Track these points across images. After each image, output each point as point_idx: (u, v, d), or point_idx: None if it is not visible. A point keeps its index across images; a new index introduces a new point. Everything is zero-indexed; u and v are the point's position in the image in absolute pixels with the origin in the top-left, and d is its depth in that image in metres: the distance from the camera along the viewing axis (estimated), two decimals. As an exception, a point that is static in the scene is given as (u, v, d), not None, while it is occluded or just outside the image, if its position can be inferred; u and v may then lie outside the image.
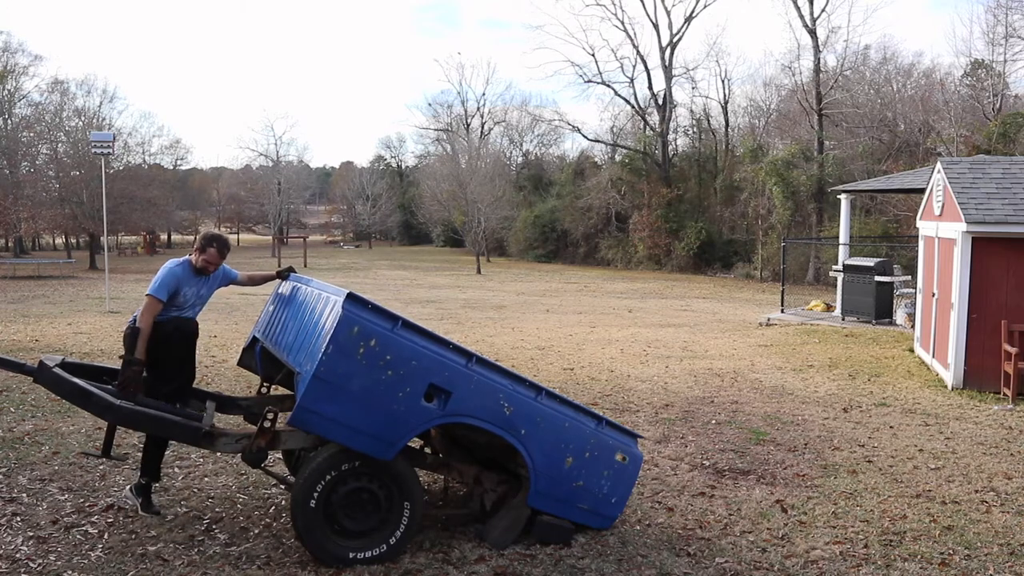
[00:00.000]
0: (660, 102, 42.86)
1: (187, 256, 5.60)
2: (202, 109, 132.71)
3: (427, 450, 5.89)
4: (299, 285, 5.44)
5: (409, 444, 5.47)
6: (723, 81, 49.76)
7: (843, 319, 16.75)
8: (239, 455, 5.05)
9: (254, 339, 5.91)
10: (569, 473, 5.10)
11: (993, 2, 33.25)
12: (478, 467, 5.25)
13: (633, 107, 44.61)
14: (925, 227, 12.83)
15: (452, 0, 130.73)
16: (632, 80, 43.99)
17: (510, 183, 49.74)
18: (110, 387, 5.06)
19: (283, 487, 5.82)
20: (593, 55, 54.31)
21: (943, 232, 11.29)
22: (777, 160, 33.85)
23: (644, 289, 28.50)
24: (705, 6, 44.68)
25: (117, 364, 5.42)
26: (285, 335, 5.19)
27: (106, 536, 5.02)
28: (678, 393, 9.91)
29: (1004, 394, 9.81)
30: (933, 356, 11.57)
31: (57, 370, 4.80)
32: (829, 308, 18.59)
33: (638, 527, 5.46)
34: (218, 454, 6.50)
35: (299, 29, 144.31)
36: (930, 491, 6.34)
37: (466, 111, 60.39)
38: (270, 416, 4.73)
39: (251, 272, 6.21)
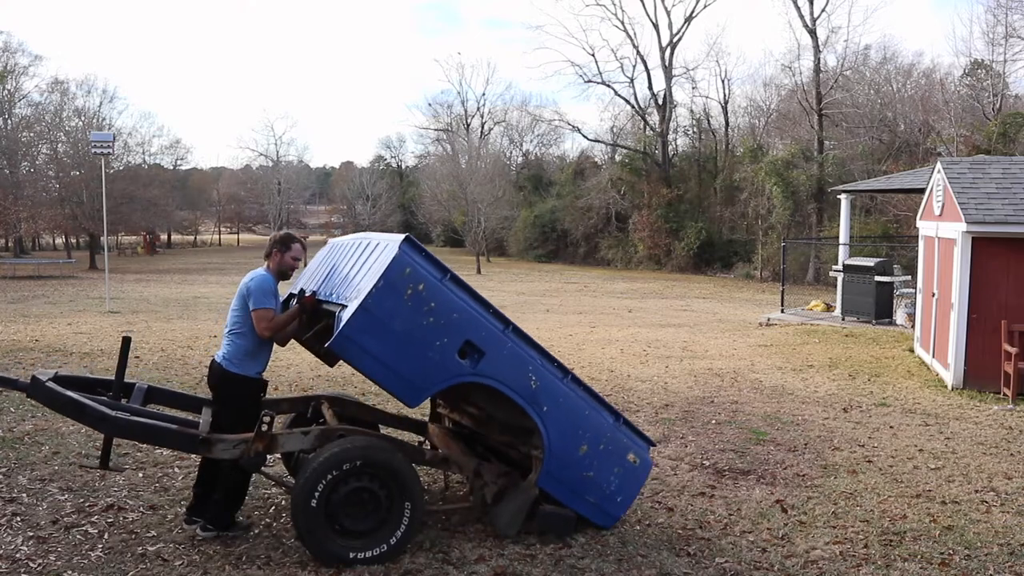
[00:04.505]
0: (660, 102, 42.84)
1: (260, 268, 5.20)
2: (202, 109, 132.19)
3: (426, 446, 5.89)
4: (353, 237, 5.52)
5: (408, 441, 5.48)
6: (723, 81, 49.78)
7: (843, 319, 16.75)
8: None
9: (290, 296, 5.77)
10: (581, 461, 5.11)
11: (993, 2, 33.22)
12: (477, 460, 5.26)
13: (633, 107, 44.61)
14: (925, 227, 12.83)
15: (452, 0, 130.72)
16: (632, 80, 44.03)
17: (510, 183, 49.68)
18: (104, 398, 5.04)
19: (283, 488, 5.82)
20: (593, 55, 54.25)
21: (943, 232, 11.29)
22: (777, 160, 33.85)
23: (644, 289, 28.50)
24: (705, 6, 44.73)
25: (110, 376, 5.39)
26: (332, 279, 5.21)
27: (106, 536, 5.02)
28: (678, 393, 9.91)
29: (1004, 394, 9.81)
30: (933, 356, 11.57)
31: (51, 384, 4.78)
32: (829, 308, 18.59)
33: (638, 527, 5.46)
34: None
35: (299, 29, 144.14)
36: (930, 491, 6.34)
37: (466, 111, 60.36)
38: (267, 419, 4.74)
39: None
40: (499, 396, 4.93)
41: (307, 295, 5.12)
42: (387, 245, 4.69)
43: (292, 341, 5.63)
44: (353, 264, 5.02)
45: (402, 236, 4.64)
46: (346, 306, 4.58)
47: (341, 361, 5.33)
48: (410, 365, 4.55)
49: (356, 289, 4.66)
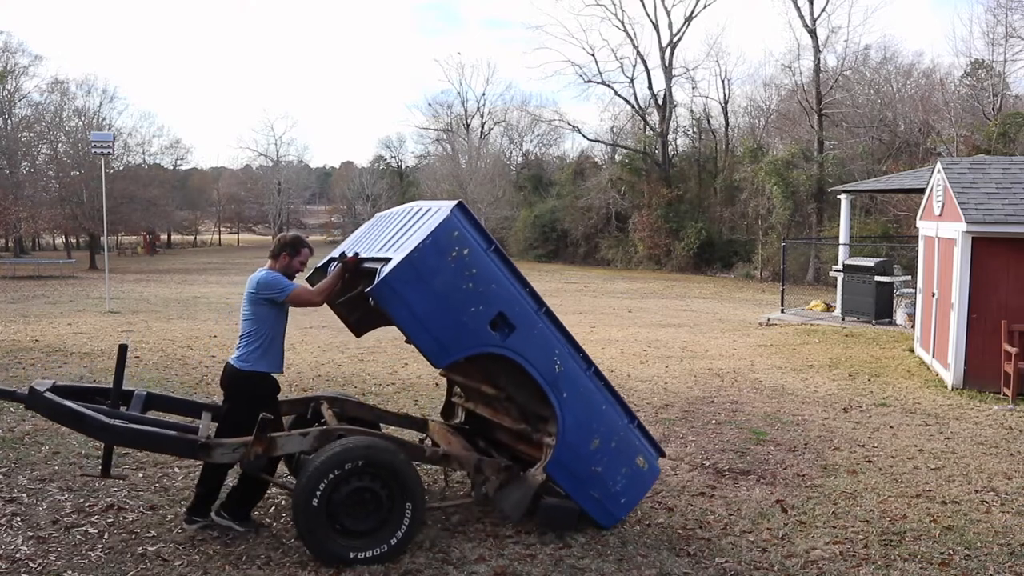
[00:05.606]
0: (660, 102, 42.81)
1: (261, 269, 5.20)
2: (202, 109, 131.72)
3: (427, 443, 5.89)
4: (404, 205, 5.60)
5: (408, 439, 5.47)
6: (723, 81, 49.68)
7: (843, 319, 16.75)
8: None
9: (330, 260, 5.77)
10: (592, 455, 5.14)
11: (993, 2, 33.24)
12: (478, 456, 5.27)
13: (633, 107, 44.57)
14: (925, 227, 12.84)
15: (452, 0, 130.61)
16: (632, 80, 43.95)
17: (510, 183, 49.64)
18: (103, 407, 5.05)
19: (285, 488, 5.82)
20: (593, 55, 54.04)
21: (943, 232, 11.29)
22: (777, 160, 33.83)
23: (644, 289, 28.49)
24: (705, 6, 44.68)
25: (109, 383, 5.39)
26: (378, 240, 5.28)
27: (106, 536, 5.02)
28: (678, 393, 9.91)
29: (1004, 394, 9.81)
30: (933, 356, 11.58)
31: (49, 395, 4.79)
32: (829, 308, 18.59)
33: (638, 527, 5.46)
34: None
35: (299, 29, 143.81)
36: (930, 491, 6.34)
37: (466, 111, 60.24)
38: (265, 421, 4.75)
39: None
40: (520, 377, 5.00)
41: (350, 256, 5.16)
42: (439, 208, 4.84)
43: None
44: (402, 226, 5.12)
45: (455, 201, 4.78)
46: (390, 259, 4.67)
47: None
48: (442, 325, 4.65)
49: (403, 245, 4.75)
